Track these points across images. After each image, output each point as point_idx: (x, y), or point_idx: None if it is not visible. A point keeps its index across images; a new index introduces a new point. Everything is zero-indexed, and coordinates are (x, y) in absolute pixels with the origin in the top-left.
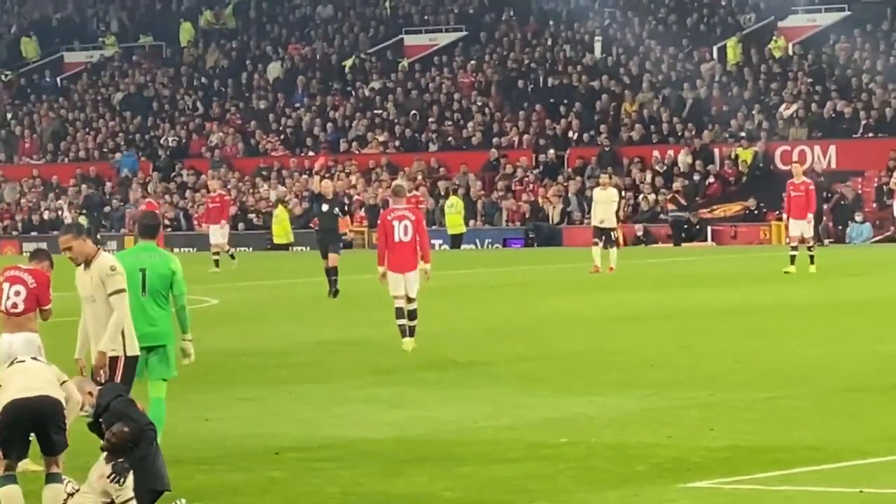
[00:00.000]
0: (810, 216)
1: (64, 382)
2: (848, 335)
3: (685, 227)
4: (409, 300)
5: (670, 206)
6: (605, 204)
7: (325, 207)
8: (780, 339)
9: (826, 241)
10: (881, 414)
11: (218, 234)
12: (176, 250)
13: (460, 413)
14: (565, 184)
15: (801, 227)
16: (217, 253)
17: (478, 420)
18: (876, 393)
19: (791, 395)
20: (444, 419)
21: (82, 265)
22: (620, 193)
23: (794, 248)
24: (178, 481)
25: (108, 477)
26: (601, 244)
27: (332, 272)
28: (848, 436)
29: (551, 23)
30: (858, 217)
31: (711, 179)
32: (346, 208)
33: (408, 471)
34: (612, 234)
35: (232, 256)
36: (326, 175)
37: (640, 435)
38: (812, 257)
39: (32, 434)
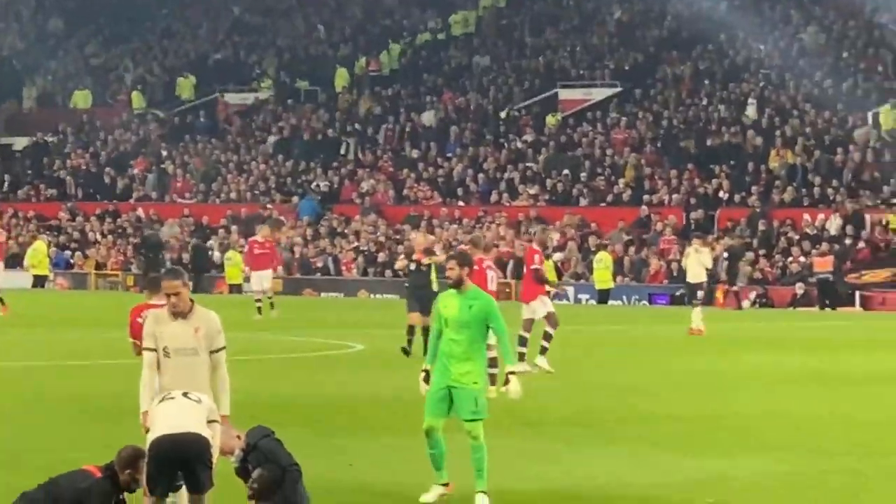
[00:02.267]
0: None
1: (212, 422)
2: None
3: (833, 291)
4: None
5: (817, 269)
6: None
7: (413, 264)
8: None
9: None
10: None
11: (263, 280)
12: (323, 295)
13: (605, 469)
14: (714, 244)
15: None
16: (259, 300)
17: (623, 476)
18: None
19: None
20: (588, 475)
21: (172, 314)
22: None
23: None
24: None
25: None
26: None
27: (411, 331)
28: None
29: (706, 82)
30: None
31: (861, 245)
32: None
33: None
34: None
35: (272, 306)
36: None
37: (786, 499)
38: None
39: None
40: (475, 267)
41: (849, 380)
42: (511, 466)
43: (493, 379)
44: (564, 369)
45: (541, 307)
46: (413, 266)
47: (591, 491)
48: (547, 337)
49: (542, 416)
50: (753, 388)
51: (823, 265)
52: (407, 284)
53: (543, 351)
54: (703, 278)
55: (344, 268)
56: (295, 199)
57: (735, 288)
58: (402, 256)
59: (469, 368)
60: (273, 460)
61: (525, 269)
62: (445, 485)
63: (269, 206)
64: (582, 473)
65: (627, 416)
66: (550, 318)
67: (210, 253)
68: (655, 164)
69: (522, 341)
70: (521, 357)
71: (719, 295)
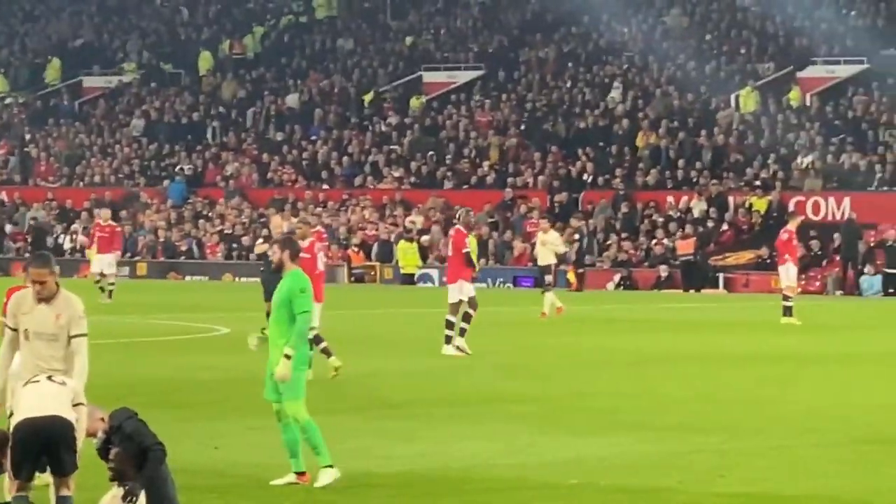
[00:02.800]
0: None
1: (78, 405)
2: (860, 386)
3: (697, 273)
4: None
5: (680, 251)
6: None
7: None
8: (792, 387)
9: (837, 293)
10: (890, 466)
11: (106, 264)
12: (188, 278)
13: (471, 450)
14: (577, 226)
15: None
16: (101, 282)
17: (489, 458)
18: (888, 445)
19: (803, 444)
20: (454, 455)
21: (35, 299)
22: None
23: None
24: None
25: (122, 498)
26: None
27: None
28: (859, 487)
29: (570, 65)
30: (870, 269)
31: (725, 227)
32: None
33: None
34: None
35: (110, 294)
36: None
37: (651, 479)
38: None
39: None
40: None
41: (712, 360)
42: (374, 447)
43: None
44: (428, 350)
45: (468, 289)
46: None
47: (456, 472)
48: (467, 318)
49: (406, 397)
50: (618, 368)
51: (686, 248)
52: (263, 269)
53: (462, 332)
54: (552, 261)
55: (208, 251)
56: (166, 182)
57: (581, 270)
58: (261, 241)
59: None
60: (136, 440)
61: (451, 252)
62: (300, 473)
63: (134, 189)
64: (445, 454)
65: (492, 396)
66: (472, 302)
67: (58, 237)
68: (520, 146)
69: (449, 324)
70: (448, 340)
71: (571, 277)
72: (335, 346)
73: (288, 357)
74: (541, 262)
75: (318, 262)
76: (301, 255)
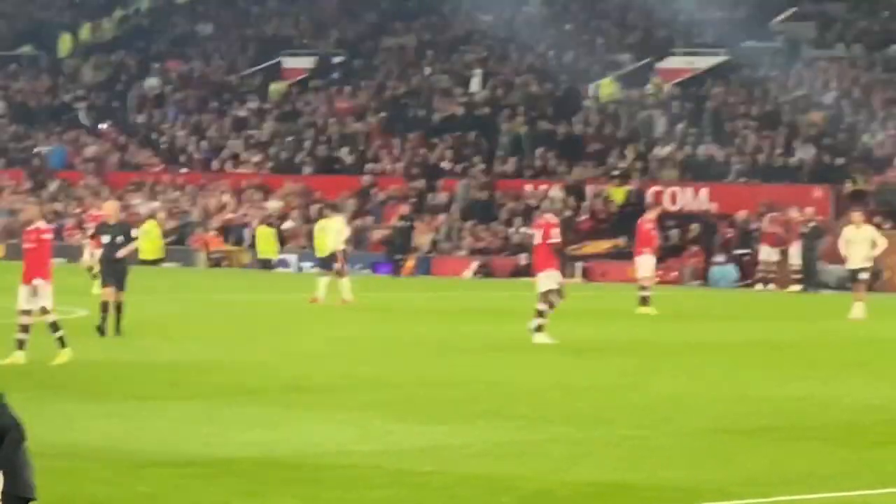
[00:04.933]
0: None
1: None
2: (713, 377)
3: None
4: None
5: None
6: None
7: (106, 236)
8: (648, 377)
9: (694, 283)
10: (746, 456)
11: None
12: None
13: (327, 436)
14: (436, 214)
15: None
16: None
17: (344, 444)
18: (741, 435)
19: (658, 433)
20: (310, 442)
21: None
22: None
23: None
24: (44, 490)
25: None
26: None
27: (105, 307)
28: (712, 477)
29: (430, 52)
30: (722, 259)
31: (584, 216)
32: (130, 234)
33: (273, 492)
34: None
35: None
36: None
37: (506, 467)
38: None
39: None
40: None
41: (568, 349)
42: (231, 434)
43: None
44: (286, 336)
45: (547, 281)
46: (106, 238)
47: (313, 458)
48: (551, 307)
49: (264, 384)
50: (474, 356)
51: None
52: (100, 258)
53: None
54: (342, 247)
55: (67, 234)
56: (44, 149)
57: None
58: (92, 233)
59: None
60: None
61: (539, 241)
62: None
63: None
64: (303, 440)
65: (349, 383)
66: (562, 292)
67: None
68: (379, 133)
69: (539, 313)
70: (540, 328)
71: (409, 265)
72: (188, 332)
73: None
74: (328, 248)
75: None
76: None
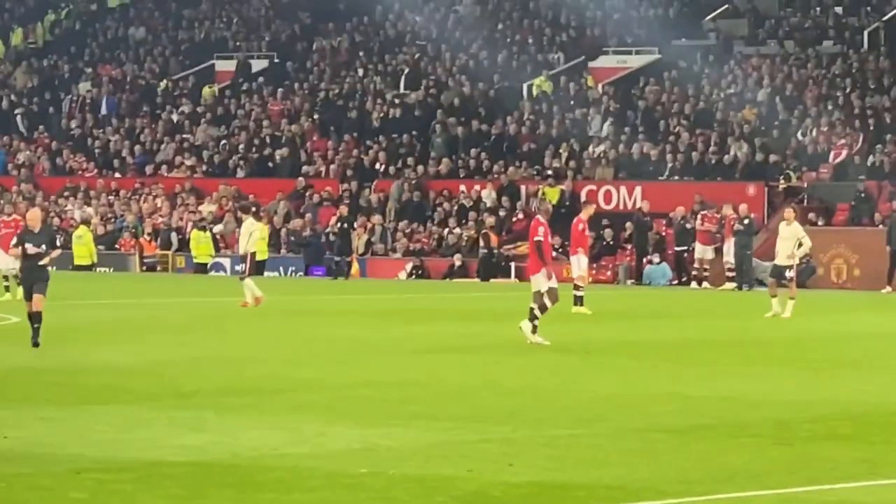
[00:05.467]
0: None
1: None
2: (646, 375)
3: (491, 262)
4: None
5: (482, 243)
6: None
7: (30, 241)
8: (580, 376)
9: (628, 282)
10: (678, 455)
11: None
12: None
13: (260, 439)
14: (370, 215)
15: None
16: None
17: (278, 447)
18: (673, 434)
19: (591, 433)
20: (244, 445)
21: None
22: None
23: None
24: None
25: None
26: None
27: (35, 318)
28: (646, 476)
29: (362, 54)
30: (657, 259)
31: (519, 216)
32: (55, 242)
33: (207, 496)
34: None
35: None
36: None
37: (441, 468)
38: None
39: None
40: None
41: (500, 349)
42: (162, 437)
43: None
44: (218, 340)
45: (543, 281)
46: (29, 245)
47: (245, 461)
48: (542, 310)
49: (195, 387)
50: (406, 357)
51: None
52: (22, 266)
53: (533, 319)
54: (252, 250)
55: None
56: None
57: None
58: (14, 241)
59: None
60: None
61: (529, 241)
62: None
63: None
64: (235, 443)
65: (282, 386)
66: (551, 294)
67: None
68: (312, 135)
69: (532, 314)
70: (534, 329)
71: (355, 268)
72: (121, 336)
73: None
74: (245, 250)
75: None
76: None
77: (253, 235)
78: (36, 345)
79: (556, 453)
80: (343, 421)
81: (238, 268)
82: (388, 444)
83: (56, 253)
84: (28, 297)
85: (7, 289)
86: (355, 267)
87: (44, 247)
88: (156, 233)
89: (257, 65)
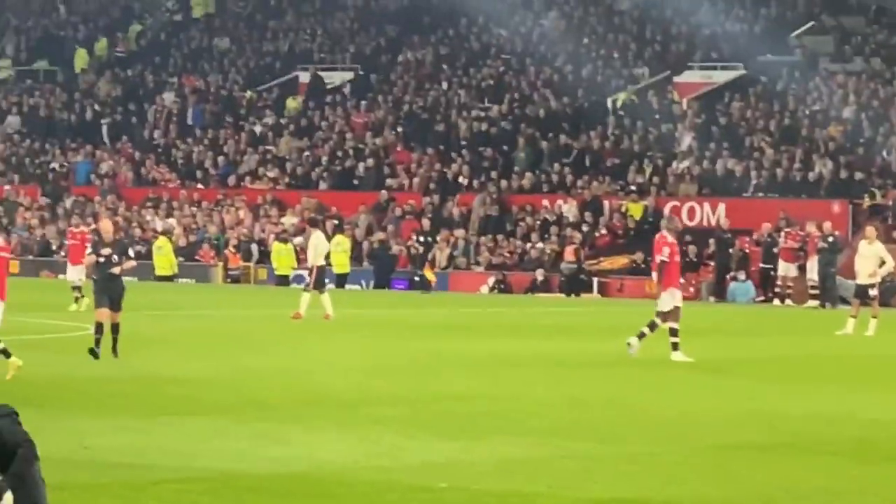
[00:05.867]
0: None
1: None
2: (726, 392)
3: (576, 278)
4: None
5: (567, 258)
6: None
7: (104, 252)
8: (662, 393)
9: (711, 299)
10: (757, 473)
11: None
12: (61, 276)
13: (340, 452)
14: (452, 229)
15: None
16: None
17: (358, 460)
18: (753, 451)
19: (670, 450)
20: (323, 457)
21: None
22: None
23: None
24: None
25: None
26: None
27: (113, 329)
28: (725, 493)
29: (446, 67)
30: (742, 276)
31: (601, 232)
32: (128, 252)
33: None
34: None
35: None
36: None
37: (521, 483)
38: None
39: None
40: None
41: (584, 365)
42: (241, 448)
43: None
44: (301, 352)
45: (669, 299)
46: (103, 257)
47: (327, 475)
48: (652, 326)
49: (277, 398)
50: (488, 371)
51: (569, 254)
52: (95, 277)
53: (645, 333)
54: (321, 263)
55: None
56: (68, 163)
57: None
58: (90, 251)
59: None
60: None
61: (656, 259)
62: None
63: (7, 187)
64: (314, 455)
65: (363, 398)
66: (674, 313)
67: None
68: (396, 148)
69: (671, 332)
70: (675, 347)
71: (429, 275)
72: (201, 347)
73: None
74: (312, 263)
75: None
76: None
77: (318, 248)
78: (96, 356)
79: (636, 470)
80: (423, 434)
81: (307, 278)
82: (469, 458)
83: (129, 264)
84: (101, 306)
85: (76, 300)
86: (430, 276)
87: (115, 257)
88: (240, 244)
89: (341, 77)
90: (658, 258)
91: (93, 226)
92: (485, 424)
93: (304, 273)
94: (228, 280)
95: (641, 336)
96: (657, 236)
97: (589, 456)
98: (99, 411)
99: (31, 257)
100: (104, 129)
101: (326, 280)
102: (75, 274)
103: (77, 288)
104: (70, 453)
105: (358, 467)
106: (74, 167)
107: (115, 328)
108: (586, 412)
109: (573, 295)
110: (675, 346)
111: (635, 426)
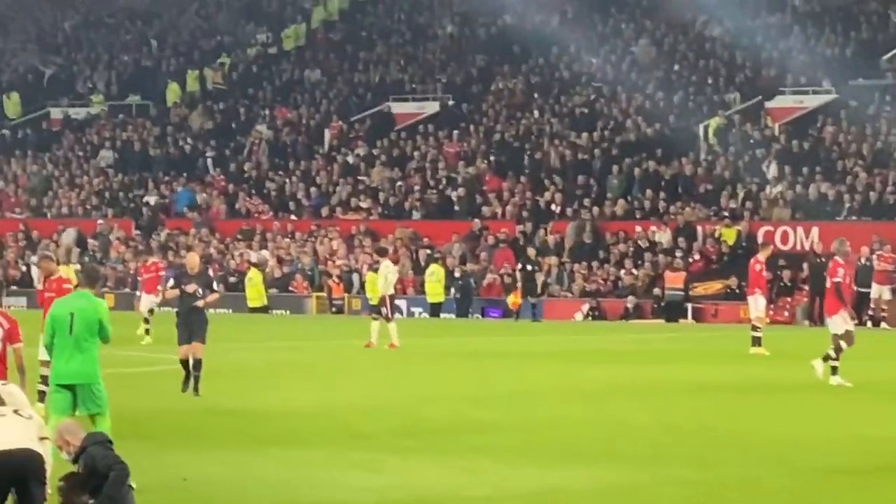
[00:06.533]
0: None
1: (43, 439)
2: (824, 416)
3: (679, 304)
4: None
5: (672, 284)
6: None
7: (188, 286)
8: (761, 417)
9: (805, 323)
10: (858, 497)
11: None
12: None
13: (440, 481)
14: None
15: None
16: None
17: (458, 489)
18: (854, 475)
19: (772, 474)
20: (424, 486)
21: None
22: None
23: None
24: None
25: None
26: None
27: (196, 365)
28: None
29: (537, 95)
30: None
31: (695, 257)
32: (212, 286)
33: None
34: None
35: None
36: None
37: None
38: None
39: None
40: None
41: (680, 390)
42: (341, 478)
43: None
44: (396, 381)
45: (841, 323)
46: (187, 291)
47: (424, 502)
48: (838, 351)
49: (374, 428)
50: (585, 398)
51: (675, 280)
52: (178, 310)
53: (827, 359)
54: (390, 292)
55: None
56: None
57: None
58: (171, 284)
59: None
60: (90, 467)
61: (828, 284)
62: None
63: (100, 220)
64: (414, 485)
65: (460, 426)
66: (847, 336)
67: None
68: (488, 177)
69: (827, 355)
70: (834, 371)
71: (513, 299)
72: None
73: None
74: (382, 293)
75: None
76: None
77: (388, 278)
78: (195, 392)
79: (736, 496)
80: (522, 462)
81: (382, 311)
82: (569, 485)
83: (213, 297)
84: (183, 342)
85: (147, 332)
86: (515, 303)
87: (199, 290)
88: (342, 275)
89: (433, 107)
90: (833, 280)
91: (171, 259)
92: (584, 451)
93: (399, 303)
94: (333, 310)
95: (835, 371)
96: (830, 262)
97: (689, 481)
98: (196, 443)
99: (126, 290)
100: (212, 163)
101: (383, 309)
102: (149, 304)
103: (146, 320)
104: (169, 486)
105: (458, 496)
106: (175, 197)
107: (196, 365)
108: (685, 437)
109: (673, 321)
110: (834, 371)
111: (735, 451)
